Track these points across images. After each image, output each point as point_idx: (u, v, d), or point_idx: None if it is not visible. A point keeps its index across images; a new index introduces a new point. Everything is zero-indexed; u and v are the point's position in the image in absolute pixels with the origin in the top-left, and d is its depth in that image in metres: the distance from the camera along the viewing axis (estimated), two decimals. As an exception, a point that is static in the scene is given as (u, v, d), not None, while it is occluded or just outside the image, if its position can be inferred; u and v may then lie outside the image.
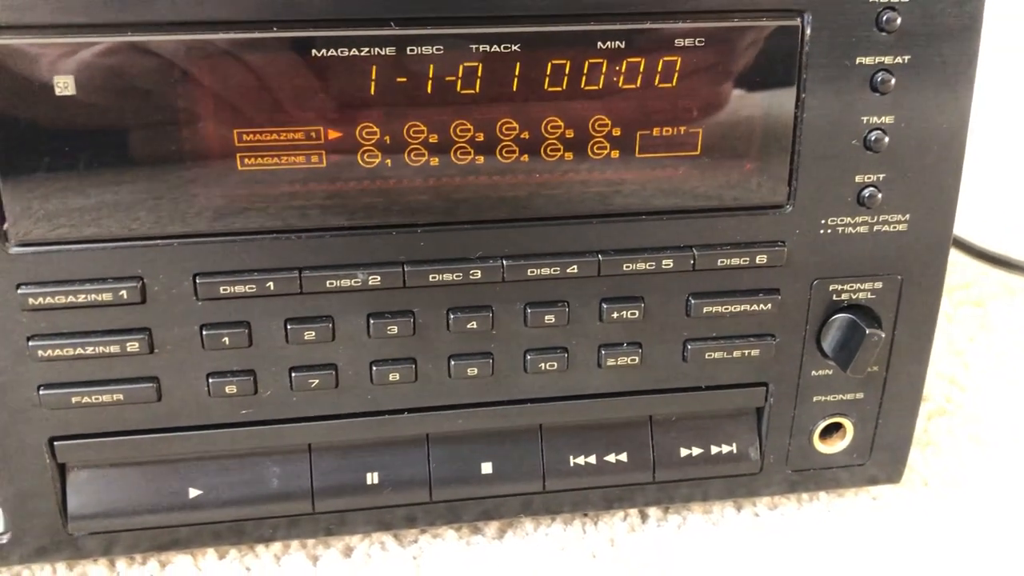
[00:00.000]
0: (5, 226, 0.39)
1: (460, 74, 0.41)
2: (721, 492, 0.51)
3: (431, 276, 0.43)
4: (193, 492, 0.45)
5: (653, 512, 0.52)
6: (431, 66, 0.41)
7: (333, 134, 0.42)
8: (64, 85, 0.38)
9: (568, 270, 0.43)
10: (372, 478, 0.46)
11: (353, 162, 0.42)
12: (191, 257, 0.41)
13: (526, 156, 0.43)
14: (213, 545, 0.49)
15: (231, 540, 0.48)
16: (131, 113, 0.39)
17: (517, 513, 0.50)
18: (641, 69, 0.42)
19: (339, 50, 0.39)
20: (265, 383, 0.44)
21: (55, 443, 0.43)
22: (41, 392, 0.42)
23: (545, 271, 0.43)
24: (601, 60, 0.42)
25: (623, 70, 0.42)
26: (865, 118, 0.43)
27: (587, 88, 0.42)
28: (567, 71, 0.42)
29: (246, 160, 0.41)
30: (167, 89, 0.39)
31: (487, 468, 0.47)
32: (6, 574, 0.48)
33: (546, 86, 0.42)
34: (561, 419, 0.47)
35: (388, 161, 0.42)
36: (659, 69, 0.42)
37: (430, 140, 0.42)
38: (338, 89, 0.40)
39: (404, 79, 0.41)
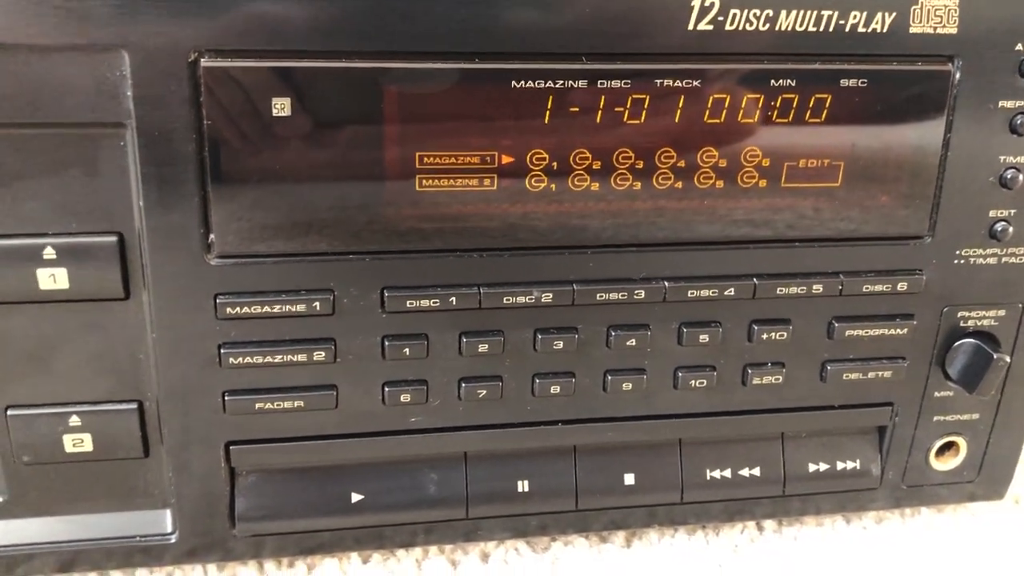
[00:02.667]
0: (210, 239, 0.41)
1: (628, 104, 0.44)
2: (832, 506, 0.54)
3: (598, 295, 0.45)
4: (355, 497, 0.47)
5: (768, 524, 0.55)
6: (602, 97, 0.43)
7: (506, 159, 0.44)
8: (282, 107, 0.39)
9: (725, 292, 0.46)
10: (523, 486, 0.48)
11: (522, 186, 0.44)
12: (380, 272, 0.43)
13: (680, 183, 0.45)
14: (356, 549, 0.50)
15: (373, 545, 0.50)
16: (336, 135, 0.41)
17: (644, 523, 0.52)
18: (797, 105, 0.44)
19: (535, 82, 0.41)
20: (436, 393, 0.46)
21: (231, 447, 0.45)
22: (226, 398, 0.44)
23: (704, 293, 0.46)
24: (759, 95, 0.44)
25: (778, 105, 0.44)
26: (1002, 157, 0.46)
27: (743, 121, 0.45)
28: (726, 104, 0.44)
29: (424, 182, 0.43)
30: (371, 114, 0.41)
31: (630, 479, 0.49)
32: (159, 574, 0.49)
33: (705, 118, 0.45)
34: (702, 435, 0.50)
35: (553, 185, 0.44)
36: (812, 106, 0.45)
37: (593, 167, 0.44)
38: (516, 117, 0.42)
39: (576, 108, 0.43)
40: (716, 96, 0.44)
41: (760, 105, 0.44)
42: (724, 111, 0.44)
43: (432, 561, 0.51)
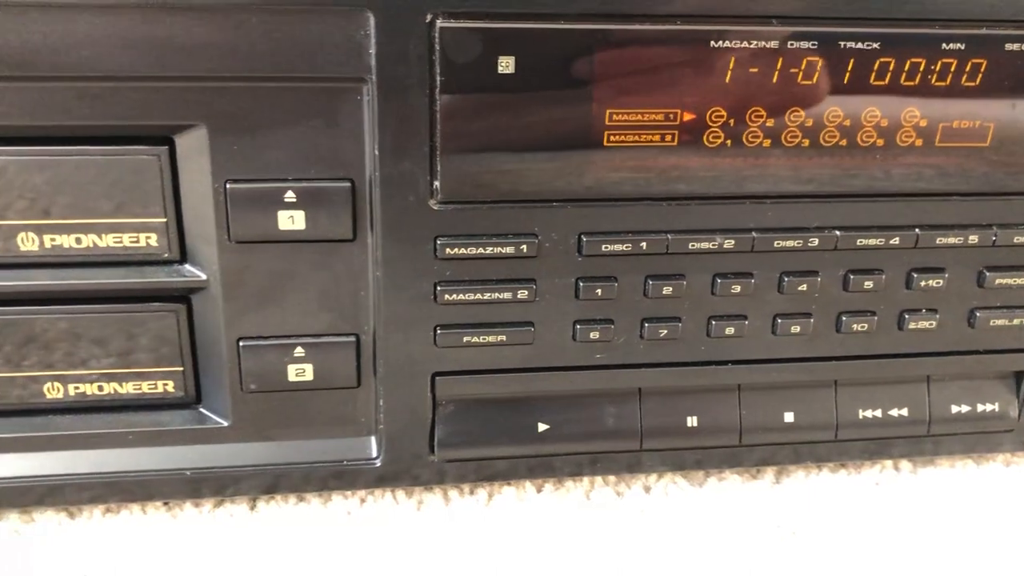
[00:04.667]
0: (434, 185, 0.45)
1: (803, 66, 0.47)
2: (963, 448, 0.58)
3: (775, 242, 0.49)
4: (542, 426, 0.51)
5: (904, 465, 0.59)
6: (780, 59, 0.47)
7: (687, 116, 0.48)
8: (506, 64, 0.44)
9: (891, 241, 0.50)
10: (692, 421, 0.53)
11: (701, 141, 0.48)
12: (578, 219, 0.47)
13: (845, 140, 0.49)
14: (527, 478, 0.55)
15: (543, 474, 0.54)
16: (548, 91, 0.45)
17: (791, 461, 0.56)
18: (954, 68, 0.48)
19: (729, 42, 0.45)
20: (620, 331, 0.50)
21: (437, 378, 0.49)
22: (438, 332, 0.48)
23: (871, 241, 0.50)
24: (923, 59, 0.48)
25: (938, 69, 0.48)
26: None
27: (905, 83, 0.49)
28: (891, 68, 0.48)
29: (612, 137, 0.47)
30: (578, 72, 0.45)
31: (789, 417, 0.53)
32: (353, 499, 0.54)
33: (871, 80, 0.48)
34: (857, 376, 0.54)
35: (729, 141, 0.48)
36: (968, 69, 0.48)
37: (767, 124, 0.48)
38: (702, 76, 0.46)
39: (756, 69, 0.47)
40: (883, 59, 0.48)
41: (922, 68, 0.48)
42: (889, 74, 0.48)
43: (599, 491, 0.55)
